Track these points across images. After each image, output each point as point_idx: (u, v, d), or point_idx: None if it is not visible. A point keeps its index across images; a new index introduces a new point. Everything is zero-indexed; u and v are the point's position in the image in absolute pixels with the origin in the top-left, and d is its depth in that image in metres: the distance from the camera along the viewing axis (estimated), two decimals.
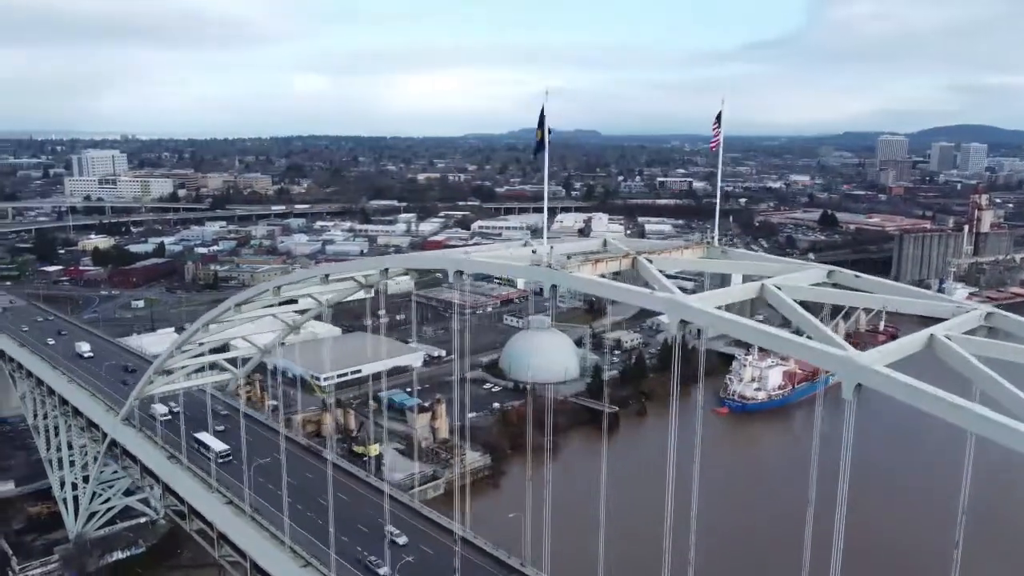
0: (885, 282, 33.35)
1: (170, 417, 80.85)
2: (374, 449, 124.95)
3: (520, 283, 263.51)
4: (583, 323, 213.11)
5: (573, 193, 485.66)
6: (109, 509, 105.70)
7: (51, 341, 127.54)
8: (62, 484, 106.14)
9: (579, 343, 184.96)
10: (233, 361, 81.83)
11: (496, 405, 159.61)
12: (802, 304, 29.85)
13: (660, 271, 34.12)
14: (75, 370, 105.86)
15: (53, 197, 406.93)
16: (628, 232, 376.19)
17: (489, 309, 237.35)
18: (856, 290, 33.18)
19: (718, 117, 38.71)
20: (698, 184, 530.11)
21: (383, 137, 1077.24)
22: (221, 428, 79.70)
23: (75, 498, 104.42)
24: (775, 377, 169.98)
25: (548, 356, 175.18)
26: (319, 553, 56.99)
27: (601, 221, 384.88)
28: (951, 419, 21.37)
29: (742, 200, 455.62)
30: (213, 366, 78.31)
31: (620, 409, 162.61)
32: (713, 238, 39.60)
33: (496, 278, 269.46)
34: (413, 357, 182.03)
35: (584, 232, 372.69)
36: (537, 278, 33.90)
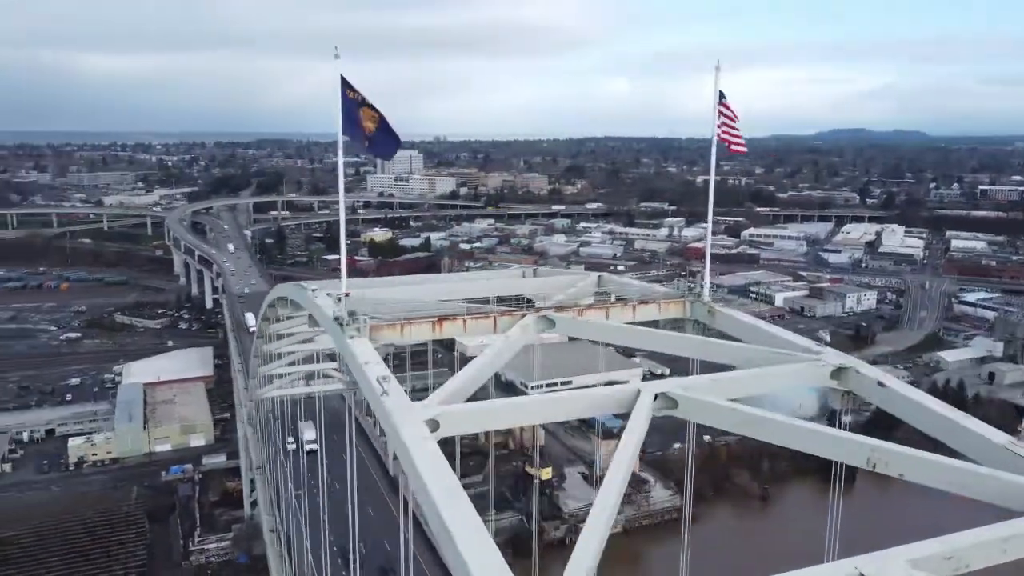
0: (946, 413, 17.26)
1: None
2: (546, 472, 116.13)
3: (778, 299, 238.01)
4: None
5: (869, 201, 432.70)
6: None
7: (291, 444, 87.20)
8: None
9: None
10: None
11: (707, 438, 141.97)
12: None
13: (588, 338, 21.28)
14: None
15: (356, 192, 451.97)
16: (927, 249, 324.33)
17: None
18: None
19: (722, 101, 24.23)
20: None
21: (678, 138, 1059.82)
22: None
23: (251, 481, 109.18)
24: None
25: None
26: None
27: (895, 234, 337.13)
28: None
29: None
30: (323, 374, 74.63)
31: None
32: (703, 287, 24.74)
33: (753, 292, 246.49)
34: (631, 373, 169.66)
35: (874, 246, 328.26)
36: (332, 339, 22.84)
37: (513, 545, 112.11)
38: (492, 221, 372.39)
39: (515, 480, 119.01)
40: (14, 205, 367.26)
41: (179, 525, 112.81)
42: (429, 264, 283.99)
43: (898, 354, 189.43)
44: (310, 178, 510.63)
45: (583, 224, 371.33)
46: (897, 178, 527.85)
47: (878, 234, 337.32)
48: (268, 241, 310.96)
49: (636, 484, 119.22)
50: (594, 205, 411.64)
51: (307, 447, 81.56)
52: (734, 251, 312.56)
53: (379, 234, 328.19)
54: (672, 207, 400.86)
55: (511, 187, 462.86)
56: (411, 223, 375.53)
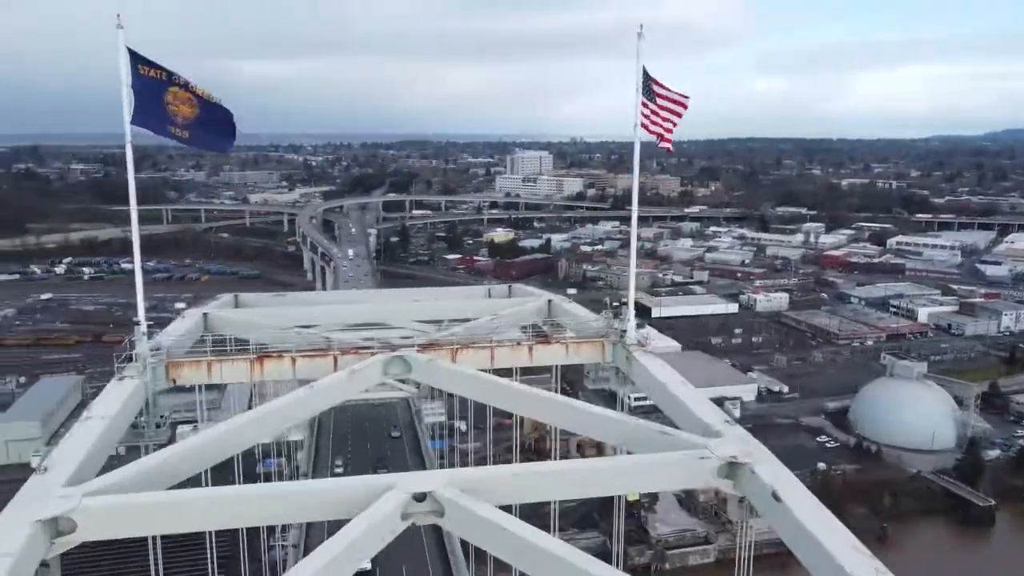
0: (857, 568, 11.09)
1: None
2: (633, 494, 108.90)
3: (922, 315, 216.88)
4: (988, 376, 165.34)
5: None
6: None
7: None
8: None
9: (962, 403, 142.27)
10: None
11: (821, 465, 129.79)
12: None
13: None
14: None
15: (484, 192, 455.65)
16: None
17: (869, 343, 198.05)
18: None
19: (648, 85, 18.69)
20: None
21: (828, 139, 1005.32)
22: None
23: None
24: None
25: (910, 414, 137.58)
26: None
27: None
28: None
29: None
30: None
31: (1000, 501, 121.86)
32: (629, 324, 18.87)
33: (893, 305, 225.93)
34: (744, 389, 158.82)
35: None
36: None
37: None
38: (617, 223, 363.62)
39: (602, 498, 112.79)
40: (170, 201, 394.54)
41: None
42: (547, 266, 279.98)
43: None
44: (442, 178, 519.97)
45: (713, 228, 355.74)
46: None
47: None
48: (393, 239, 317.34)
49: None
50: (726, 209, 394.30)
51: None
52: (876, 260, 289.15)
53: (500, 234, 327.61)
54: (811, 212, 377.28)
55: (640, 189, 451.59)
56: (535, 224, 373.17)
